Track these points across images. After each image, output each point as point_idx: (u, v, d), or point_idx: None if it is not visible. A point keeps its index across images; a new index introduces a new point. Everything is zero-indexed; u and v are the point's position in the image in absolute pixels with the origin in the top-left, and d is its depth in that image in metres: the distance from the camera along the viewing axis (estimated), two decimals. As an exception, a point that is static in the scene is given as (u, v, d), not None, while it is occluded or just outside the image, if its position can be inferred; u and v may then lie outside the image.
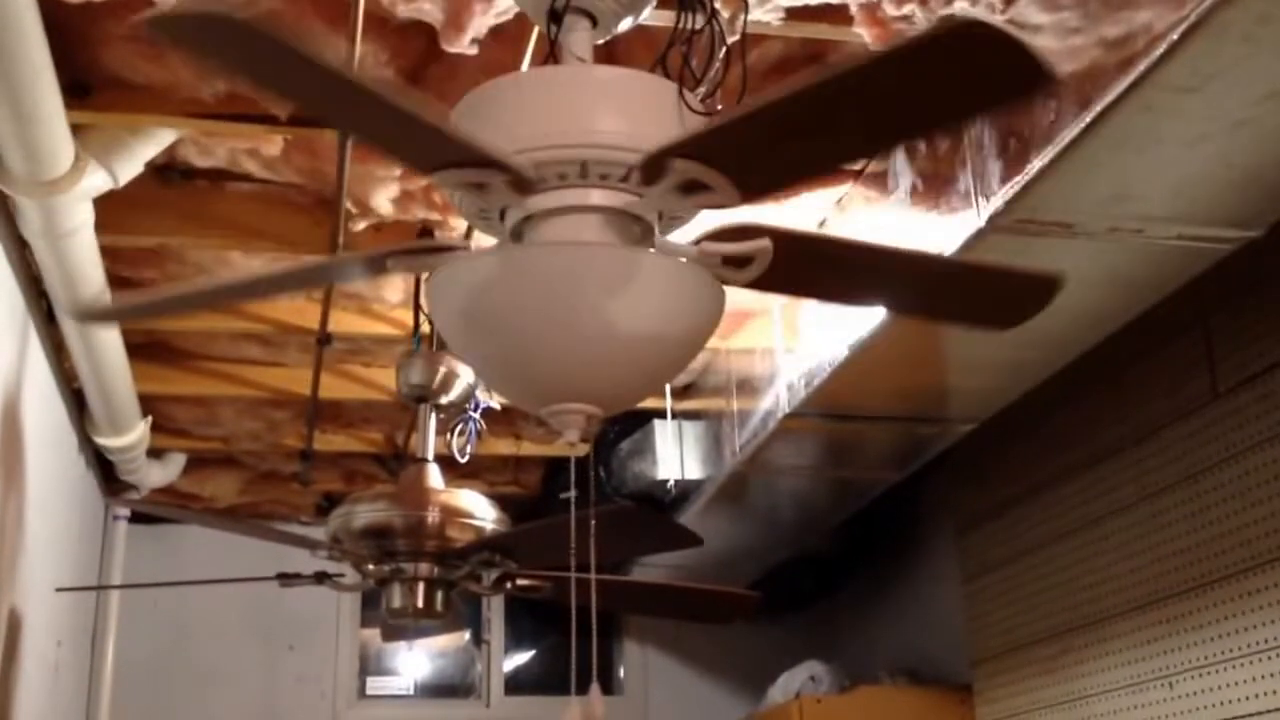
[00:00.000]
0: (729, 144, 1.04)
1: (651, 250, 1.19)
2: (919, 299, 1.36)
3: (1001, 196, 1.79)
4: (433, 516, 2.13)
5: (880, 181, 2.16)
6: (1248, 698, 2.18)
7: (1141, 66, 1.50)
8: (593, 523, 1.46)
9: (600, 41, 1.29)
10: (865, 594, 3.87)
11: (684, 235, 1.22)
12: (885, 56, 0.93)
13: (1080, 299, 2.06)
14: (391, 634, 3.07)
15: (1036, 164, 1.70)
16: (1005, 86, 0.93)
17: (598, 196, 1.15)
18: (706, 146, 1.05)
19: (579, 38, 1.26)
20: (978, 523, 3.11)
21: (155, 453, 3.37)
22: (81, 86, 1.92)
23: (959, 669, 3.19)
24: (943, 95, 0.95)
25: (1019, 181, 1.75)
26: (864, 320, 2.23)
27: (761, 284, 1.20)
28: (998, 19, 1.70)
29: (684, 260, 1.17)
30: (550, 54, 1.26)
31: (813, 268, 1.23)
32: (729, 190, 1.08)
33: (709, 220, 1.18)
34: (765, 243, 1.15)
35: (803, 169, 1.15)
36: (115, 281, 2.44)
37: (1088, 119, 1.59)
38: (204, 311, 2.42)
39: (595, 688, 1.18)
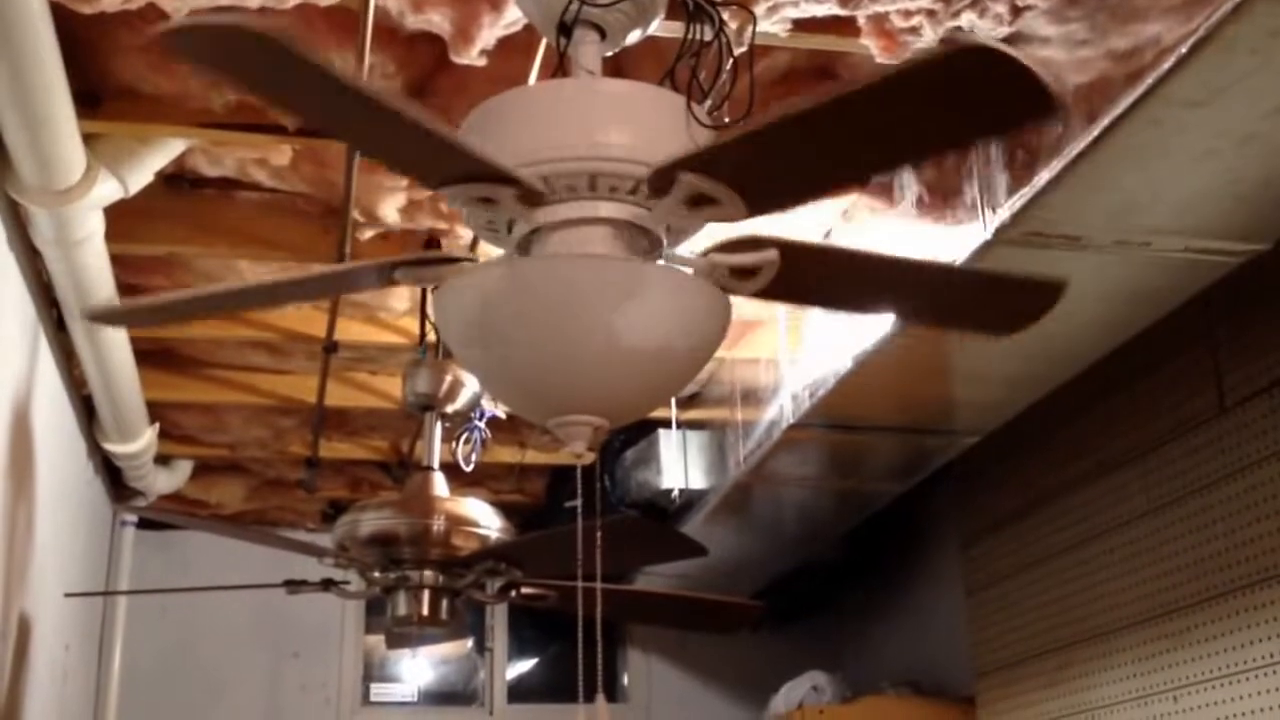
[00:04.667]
0: (736, 159, 1.05)
1: (659, 263, 1.20)
2: (925, 306, 1.36)
3: (1008, 209, 1.79)
4: (438, 525, 2.13)
5: (886, 192, 2.16)
6: (1253, 712, 2.17)
7: (1150, 80, 1.50)
8: (598, 533, 1.47)
9: (609, 54, 1.30)
10: (869, 605, 3.86)
11: (694, 246, 1.23)
12: (890, 77, 0.94)
13: (1086, 312, 2.06)
14: (396, 641, 3.07)
15: (1044, 176, 1.70)
16: (1013, 111, 0.93)
17: (606, 209, 1.16)
18: (714, 161, 1.06)
19: (588, 50, 1.26)
20: (982, 534, 3.10)
21: (163, 459, 3.39)
22: (93, 96, 1.94)
23: (962, 681, 3.18)
24: (949, 117, 0.95)
25: (1026, 194, 1.75)
26: (868, 331, 2.23)
27: (768, 294, 1.20)
28: (1001, 31, 1.71)
29: (690, 272, 1.18)
30: (559, 66, 1.27)
31: (819, 277, 1.23)
32: (737, 204, 1.09)
33: (719, 232, 1.19)
34: (773, 254, 1.15)
35: (810, 186, 1.16)
36: (125, 289, 2.46)
37: (1095, 132, 1.59)
38: (211, 317, 2.45)
39: (601, 699, 1.18)
